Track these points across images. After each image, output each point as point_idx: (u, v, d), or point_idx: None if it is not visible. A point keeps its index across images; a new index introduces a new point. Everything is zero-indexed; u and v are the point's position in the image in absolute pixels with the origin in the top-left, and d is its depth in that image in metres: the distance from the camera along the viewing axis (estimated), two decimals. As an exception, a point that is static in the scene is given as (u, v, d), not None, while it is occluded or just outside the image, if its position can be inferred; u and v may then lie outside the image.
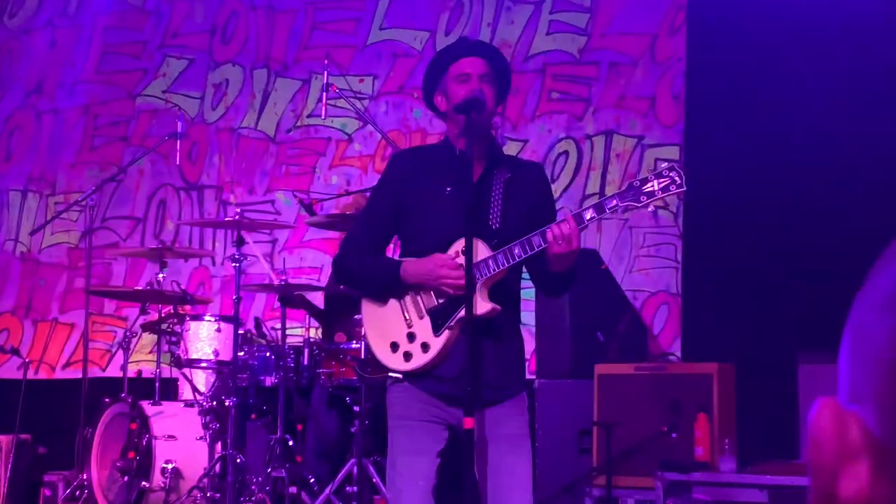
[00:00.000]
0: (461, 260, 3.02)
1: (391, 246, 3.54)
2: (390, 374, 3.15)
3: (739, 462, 4.39)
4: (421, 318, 3.10)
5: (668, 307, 5.86)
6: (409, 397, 3.12)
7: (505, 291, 3.11)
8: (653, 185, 2.99)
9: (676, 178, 2.99)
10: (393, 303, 3.13)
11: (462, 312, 3.02)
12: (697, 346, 5.58)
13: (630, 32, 6.13)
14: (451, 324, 3.05)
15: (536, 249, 3.00)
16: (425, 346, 3.08)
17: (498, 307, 3.06)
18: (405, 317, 3.11)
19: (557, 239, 2.93)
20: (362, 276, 3.23)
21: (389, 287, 3.13)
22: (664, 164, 3.04)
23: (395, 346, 3.12)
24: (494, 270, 3.03)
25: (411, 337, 3.10)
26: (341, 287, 5.54)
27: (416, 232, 3.16)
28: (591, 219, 3.02)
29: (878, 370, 0.56)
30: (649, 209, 3.06)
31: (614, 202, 3.02)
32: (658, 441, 4.51)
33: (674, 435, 4.52)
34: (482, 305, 3.05)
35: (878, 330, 0.56)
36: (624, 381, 4.74)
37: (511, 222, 3.10)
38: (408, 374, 3.12)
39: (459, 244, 3.04)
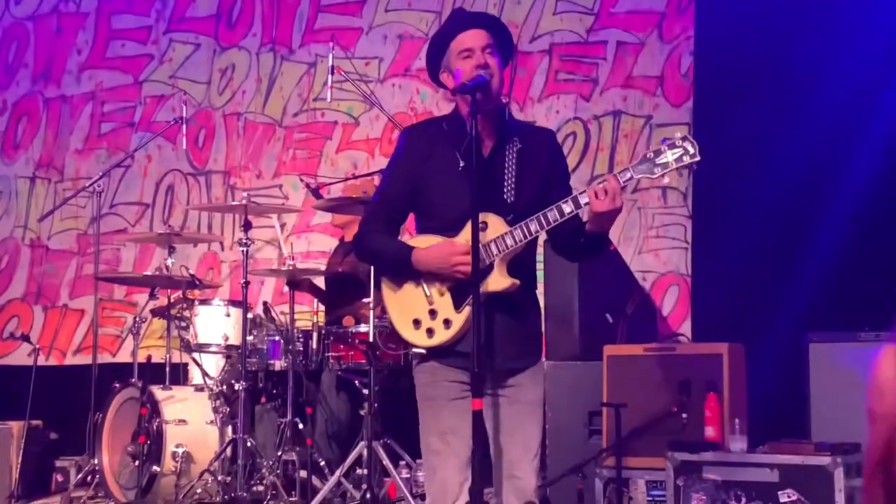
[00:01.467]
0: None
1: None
2: (414, 350, 3.15)
3: (750, 442, 4.37)
4: (441, 294, 3.11)
5: (677, 288, 5.84)
6: (435, 378, 3.12)
7: (522, 265, 3.11)
8: (666, 157, 2.97)
9: (690, 148, 2.96)
10: (413, 279, 3.14)
11: (482, 288, 3.02)
12: (707, 327, 5.57)
13: (637, 11, 6.10)
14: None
15: (552, 224, 3.01)
16: (447, 323, 3.09)
17: (517, 282, 3.06)
18: (426, 293, 3.12)
19: (600, 196, 2.93)
20: (378, 259, 3.29)
21: (401, 271, 3.15)
22: (677, 134, 3.01)
23: (417, 323, 3.13)
24: (512, 246, 3.04)
25: (433, 314, 3.11)
26: (343, 269, 5.54)
27: (431, 208, 3.16)
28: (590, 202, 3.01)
29: None
30: (664, 180, 3.03)
31: (629, 175, 3.00)
32: (668, 421, 4.50)
33: (684, 415, 4.51)
34: (502, 281, 3.06)
35: None
36: (633, 362, 4.73)
37: (525, 194, 3.09)
38: (431, 350, 3.13)
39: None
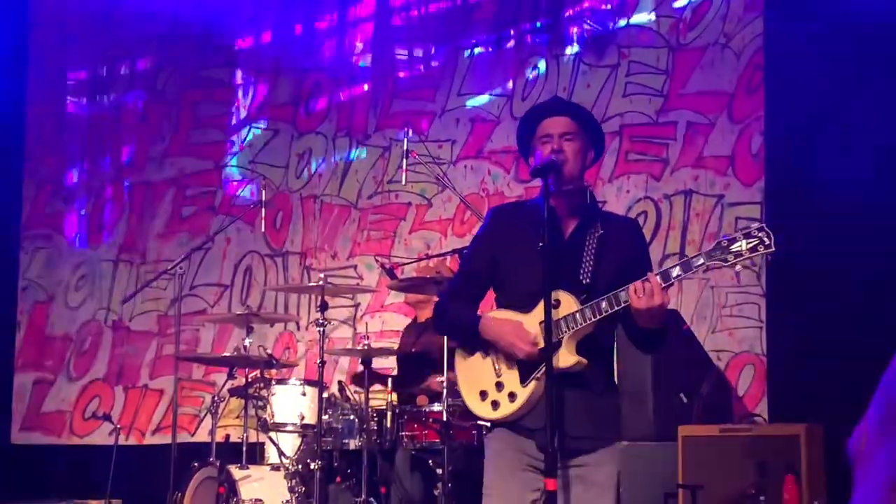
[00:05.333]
0: (538, 340, 3.07)
1: None
2: (479, 422, 3.21)
3: (830, 525, 4.29)
4: (510, 367, 3.15)
5: (752, 367, 5.79)
6: (505, 445, 3.16)
7: (594, 345, 3.13)
8: (741, 245, 3.00)
9: (765, 239, 2.99)
10: (483, 351, 3.20)
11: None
12: (784, 407, 5.49)
13: (707, 92, 6.15)
14: (539, 375, 3.08)
15: (623, 304, 3.03)
16: (512, 396, 3.13)
17: (584, 361, 3.08)
18: (495, 366, 3.17)
19: (638, 293, 2.97)
20: (451, 326, 3.37)
21: (470, 340, 3.21)
22: (753, 225, 3.04)
23: (483, 395, 3.18)
24: (581, 324, 3.07)
25: (499, 386, 3.15)
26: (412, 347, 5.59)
27: (508, 285, 3.23)
28: (678, 276, 3.03)
29: None
30: (736, 268, 3.06)
31: (701, 261, 3.04)
32: (746, 504, 4.44)
33: (762, 498, 4.45)
34: (568, 359, 3.08)
35: None
36: (709, 442, 4.69)
37: (602, 277, 3.13)
38: (495, 423, 3.17)
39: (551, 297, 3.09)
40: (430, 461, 5.12)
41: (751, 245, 2.99)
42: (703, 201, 6.08)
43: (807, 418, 4.67)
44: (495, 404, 3.14)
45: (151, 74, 7.88)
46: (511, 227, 3.24)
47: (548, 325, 3.01)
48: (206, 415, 6.72)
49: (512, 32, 6.79)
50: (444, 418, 4.96)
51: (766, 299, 5.78)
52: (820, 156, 5.58)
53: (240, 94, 7.60)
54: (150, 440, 7.37)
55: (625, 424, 5.00)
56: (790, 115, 5.79)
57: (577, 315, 3.07)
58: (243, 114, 7.57)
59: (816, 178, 5.54)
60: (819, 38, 5.66)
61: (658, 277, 3.00)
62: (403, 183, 6.05)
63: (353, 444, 5.42)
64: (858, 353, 5.26)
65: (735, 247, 3.00)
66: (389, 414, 5.35)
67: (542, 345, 3.06)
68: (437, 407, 5.12)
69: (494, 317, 3.18)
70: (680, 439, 4.70)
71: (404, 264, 6.33)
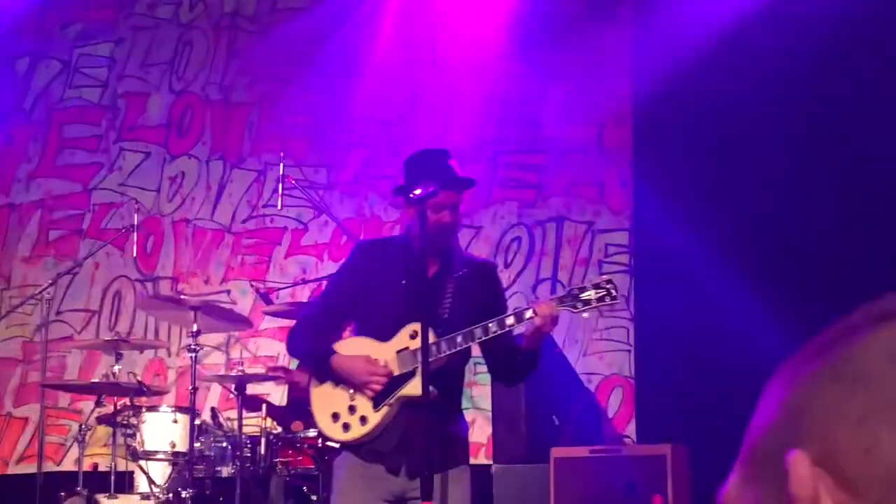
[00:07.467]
0: (386, 370, 3.23)
1: None
2: (329, 443, 3.35)
3: (695, 543, 4.42)
4: (364, 392, 3.27)
5: (622, 390, 5.93)
6: (354, 474, 3.28)
7: (447, 376, 3.28)
8: (590, 295, 3.24)
9: (612, 291, 3.25)
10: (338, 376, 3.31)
11: (401, 391, 3.22)
12: (652, 429, 5.65)
13: (578, 121, 6.31)
14: (391, 401, 3.24)
15: (477, 340, 3.22)
16: (363, 420, 3.26)
17: (435, 391, 3.20)
18: (349, 390, 3.26)
19: (542, 313, 3.15)
20: (305, 354, 3.54)
21: (324, 373, 3.29)
22: (603, 277, 3.34)
23: (335, 417, 3.31)
24: (436, 356, 3.19)
25: (352, 409, 3.29)
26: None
27: (369, 318, 3.36)
28: (531, 318, 3.24)
29: None
30: (584, 315, 3.31)
31: (553, 304, 3.26)
32: (615, 523, 4.54)
33: (631, 517, 4.56)
34: (420, 387, 3.17)
35: None
36: (580, 464, 4.79)
37: (459, 314, 3.29)
38: (345, 445, 3.31)
39: (407, 329, 3.26)
40: (305, 488, 5.09)
41: (599, 295, 3.24)
42: (574, 228, 6.23)
43: (674, 439, 4.82)
44: (346, 426, 3.27)
45: (19, 93, 7.65)
46: (377, 263, 3.37)
47: (424, 356, 3.08)
48: (72, 443, 6.53)
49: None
50: (319, 444, 4.94)
51: (633, 323, 5.95)
52: (686, 183, 5.78)
53: (109, 114, 7.45)
54: (14, 469, 7.11)
55: (498, 447, 5.10)
56: (657, 144, 5.99)
57: (433, 347, 3.20)
58: (114, 136, 7.41)
59: (682, 205, 5.73)
60: (685, 68, 5.86)
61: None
62: (279, 208, 6.02)
63: (226, 471, 5.34)
64: (722, 376, 5.47)
65: (585, 295, 3.24)
66: (263, 440, 5.30)
67: (396, 372, 3.22)
68: (311, 433, 5.09)
69: (346, 354, 3.30)
70: (552, 461, 4.79)
71: (280, 289, 6.28)
